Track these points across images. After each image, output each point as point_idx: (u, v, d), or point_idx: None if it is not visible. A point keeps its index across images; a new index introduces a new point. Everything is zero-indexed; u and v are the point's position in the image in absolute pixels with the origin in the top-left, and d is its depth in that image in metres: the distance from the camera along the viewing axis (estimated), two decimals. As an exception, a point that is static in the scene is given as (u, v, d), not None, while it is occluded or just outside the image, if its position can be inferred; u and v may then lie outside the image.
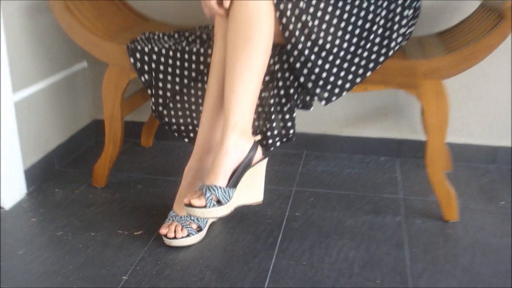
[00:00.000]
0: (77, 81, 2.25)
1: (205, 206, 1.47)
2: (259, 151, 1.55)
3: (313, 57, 1.59)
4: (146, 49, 1.74)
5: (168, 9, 2.22)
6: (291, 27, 1.55)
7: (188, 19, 2.20)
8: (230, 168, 1.50)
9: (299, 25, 1.56)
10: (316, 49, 1.59)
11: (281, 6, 1.53)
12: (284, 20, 1.54)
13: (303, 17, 1.56)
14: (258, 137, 1.58)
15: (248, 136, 1.52)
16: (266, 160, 1.58)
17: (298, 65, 1.59)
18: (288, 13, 1.54)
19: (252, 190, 1.56)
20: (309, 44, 1.58)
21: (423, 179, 2.02)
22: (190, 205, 1.48)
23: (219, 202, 1.48)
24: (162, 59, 1.74)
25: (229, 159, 1.49)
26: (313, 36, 1.58)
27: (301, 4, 1.56)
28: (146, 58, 1.75)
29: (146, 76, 1.77)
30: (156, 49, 1.74)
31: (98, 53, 1.83)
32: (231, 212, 1.50)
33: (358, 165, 2.16)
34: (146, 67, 1.76)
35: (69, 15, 1.80)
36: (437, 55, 1.68)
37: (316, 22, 1.59)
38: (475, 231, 1.72)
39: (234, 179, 1.50)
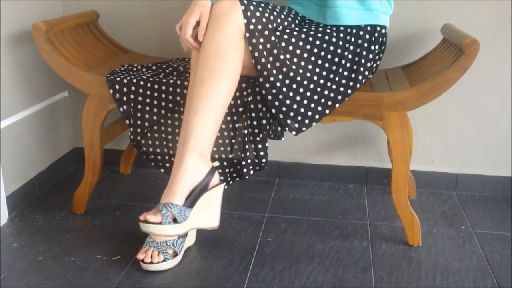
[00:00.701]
0: (58, 110, 2.24)
1: (160, 223, 1.46)
2: (216, 176, 1.56)
3: (284, 89, 1.61)
4: (125, 81, 1.75)
5: (147, 42, 2.23)
6: (263, 60, 1.56)
7: (166, 51, 2.21)
8: (187, 188, 1.51)
9: (270, 59, 1.58)
10: (287, 81, 1.61)
11: (253, 41, 1.55)
12: (256, 54, 1.56)
13: (275, 51, 1.58)
14: (216, 163, 1.59)
15: (206, 159, 1.53)
16: (223, 185, 1.59)
17: (270, 97, 1.60)
18: (260, 47, 1.56)
19: (208, 214, 1.56)
20: (280, 76, 1.60)
21: (389, 205, 2.04)
22: (145, 221, 1.47)
23: (175, 221, 1.48)
24: (140, 90, 1.74)
25: (186, 179, 1.50)
26: (284, 69, 1.60)
27: (273, 38, 1.57)
28: (124, 89, 1.75)
29: (125, 107, 1.77)
30: (134, 80, 1.74)
31: (79, 83, 1.83)
32: (186, 233, 1.50)
33: (328, 192, 2.17)
34: (124, 98, 1.76)
35: (50, 47, 1.80)
36: (401, 88, 1.71)
37: (288, 56, 1.60)
38: (436, 254, 1.73)
39: (191, 199, 1.51)
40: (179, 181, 1.49)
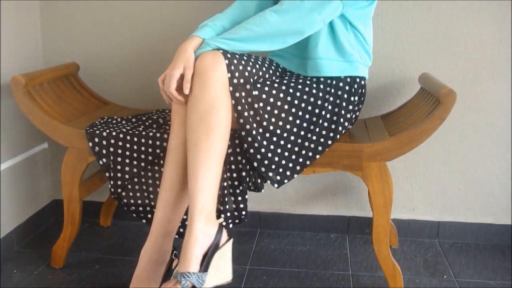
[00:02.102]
0: (37, 162, 2.20)
1: None
2: (225, 233, 1.52)
3: (265, 142, 1.59)
4: (105, 134, 1.72)
5: (127, 94, 2.21)
6: (245, 114, 1.55)
7: (146, 102, 2.19)
8: (200, 254, 1.46)
9: (251, 113, 1.56)
10: (267, 135, 1.59)
11: (237, 94, 1.53)
12: (239, 108, 1.54)
13: (255, 105, 1.56)
14: (221, 220, 1.55)
15: (213, 220, 1.49)
16: (231, 240, 1.55)
17: (251, 150, 1.58)
18: (243, 101, 1.54)
19: (221, 271, 1.52)
20: (261, 130, 1.58)
21: (371, 255, 2.01)
22: None
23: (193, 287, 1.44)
24: (120, 143, 1.71)
25: (198, 245, 1.46)
26: (265, 123, 1.58)
27: (254, 92, 1.56)
28: (104, 142, 1.72)
29: (104, 160, 1.73)
30: (114, 133, 1.72)
31: (58, 136, 1.79)
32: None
33: (310, 242, 2.13)
34: (104, 151, 1.73)
35: (29, 101, 1.77)
36: (380, 139, 1.70)
37: (268, 108, 1.59)
38: (420, 305, 1.70)
39: (205, 263, 1.46)
40: (192, 249, 1.45)
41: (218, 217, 1.62)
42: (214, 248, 1.48)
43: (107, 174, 1.74)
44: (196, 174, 1.47)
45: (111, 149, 1.72)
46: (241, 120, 1.55)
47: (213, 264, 1.48)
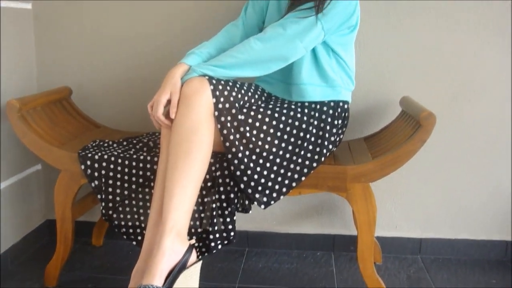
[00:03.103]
0: (31, 183, 2.20)
1: None
2: (194, 254, 1.52)
3: (251, 164, 1.60)
4: (96, 157, 1.73)
5: (119, 117, 2.22)
6: (231, 137, 1.56)
7: (137, 125, 2.20)
8: (166, 269, 1.46)
9: (238, 136, 1.57)
10: (254, 157, 1.60)
11: (222, 119, 1.54)
12: (224, 132, 1.55)
13: (241, 129, 1.57)
14: (193, 241, 1.55)
15: (183, 239, 1.49)
16: (200, 262, 1.55)
17: (238, 172, 1.59)
18: (228, 125, 1.55)
19: None
20: (247, 153, 1.59)
21: (356, 272, 2.01)
22: None
23: None
24: (111, 166, 1.72)
25: (165, 260, 1.45)
26: (251, 145, 1.59)
27: (240, 116, 1.58)
28: (96, 165, 1.73)
29: (96, 182, 1.74)
30: (105, 156, 1.72)
31: (51, 159, 1.80)
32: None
33: (296, 260, 2.13)
34: (96, 174, 1.73)
35: (23, 124, 1.78)
36: (364, 160, 1.71)
37: (254, 132, 1.60)
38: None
39: (170, 279, 1.46)
40: (158, 263, 1.45)
41: (191, 238, 1.63)
42: (181, 266, 1.48)
43: (98, 196, 1.74)
44: (171, 192, 1.48)
45: (103, 172, 1.73)
46: (227, 144, 1.56)
47: (178, 283, 1.48)
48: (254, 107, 1.64)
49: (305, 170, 1.66)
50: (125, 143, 1.88)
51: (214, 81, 1.54)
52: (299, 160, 1.65)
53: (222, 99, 1.54)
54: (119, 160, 1.72)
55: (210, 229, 1.64)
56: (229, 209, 1.65)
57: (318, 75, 1.71)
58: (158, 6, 2.13)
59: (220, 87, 1.55)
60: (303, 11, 1.60)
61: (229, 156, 1.57)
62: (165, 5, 2.12)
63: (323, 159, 1.68)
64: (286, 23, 1.60)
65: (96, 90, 2.21)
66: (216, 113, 1.54)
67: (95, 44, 2.18)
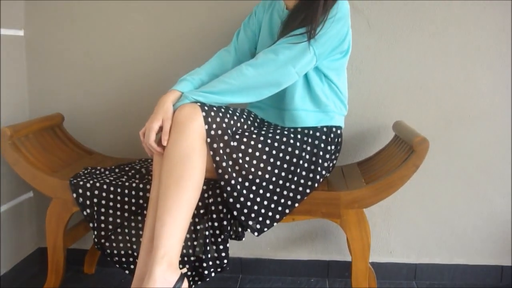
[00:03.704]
0: (23, 210, 2.17)
1: None
2: (186, 283, 1.49)
3: (244, 191, 1.58)
4: (88, 185, 1.71)
5: (111, 144, 2.20)
6: (223, 164, 1.54)
7: (129, 152, 2.18)
8: None
9: (230, 163, 1.56)
10: (247, 183, 1.59)
11: (214, 146, 1.53)
12: (217, 158, 1.54)
13: (234, 155, 1.56)
14: (185, 270, 1.52)
15: (175, 268, 1.46)
16: None
17: (231, 199, 1.57)
18: (221, 151, 1.54)
19: None
20: (240, 179, 1.58)
21: (351, 298, 1.99)
22: None
23: None
24: (104, 194, 1.70)
25: None
26: (244, 172, 1.58)
27: (232, 143, 1.56)
28: (88, 193, 1.71)
29: (88, 210, 1.71)
30: (97, 184, 1.70)
31: (43, 187, 1.78)
32: None
33: (291, 286, 2.10)
34: (88, 202, 1.71)
35: (15, 152, 1.76)
36: (357, 186, 1.70)
37: (247, 158, 1.59)
38: None
39: None
40: None
41: (183, 267, 1.60)
42: None
43: (90, 225, 1.72)
44: (163, 220, 1.46)
45: (95, 200, 1.70)
46: (220, 171, 1.55)
47: None
48: (246, 133, 1.63)
49: (299, 197, 1.65)
50: (117, 170, 1.86)
51: (206, 108, 1.53)
52: (292, 187, 1.64)
53: (214, 126, 1.53)
54: (111, 188, 1.70)
55: (203, 256, 1.61)
56: (222, 236, 1.62)
57: (310, 101, 1.71)
58: (150, 32, 2.13)
59: (212, 113, 1.54)
60: (295, 36, 1.60)
61: (222, 183, 1.56)
62: (157, 31, 2.12)
63: (316, 185, 1.67)
64: (278, 48, 1.59)
65: (88, 116, 2.20)
66: (209, 139, 1.53)
67: (87, 70, 2.18)
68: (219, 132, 1.54)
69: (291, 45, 1.59)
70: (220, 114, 1.56)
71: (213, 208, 1.62)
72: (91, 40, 2.16)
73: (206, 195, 1.62)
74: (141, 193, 1.69)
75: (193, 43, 2.10)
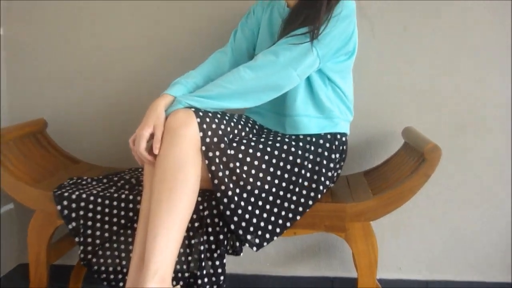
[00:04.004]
0: (3, 224, 2.18)
1: None
2: None
3: (242, 203, 1.59)
4: (74, 196, 1.72)
5: (98, 151, 2.21)
6: (220, 174, 1.55)
7: (118, 161, 2.19)
8: None
9: (227, 172, 1.57)
10: (245, 195, 1.60)
11: (210, 154, 1.54)
12: (213, 168, 1.55)
13: (231, 165, 1.57)
14: (179, 287, 1.54)
15: (168, 284, 1.47)
16: None
17: (228, 212, 1.58)
18: (217, 160, 1.55)
19: None
20: (237, 190, 1.58)
21: (357, 318, 2.00)
22: None
23: None
24: (90, 206, 1.71)
25: None
26: (242, 183, 1.59)
27: (229, 151, 1.57)
28: (73, 205, 1.72)
29: (74, 224, 1.72)
30: (84, 195, 1.71)
31: (24, 199, 1.78)
32: None
33: (292, 305, 2.12)
34: (73, 215, 1.72)
35: (-7, 160, 1.78)
36: (364, 198, 1.71)
37: (245, 168, 1.60)
38: None
39: None
40: None
41: (177, 284, 1.61)
42: None
43: (76, 239, 1.72)
44: (154, 233, 1.47)
45: (81, 213, 1.72)
46: (216, 181, 1.56)
47: None
48: (244, 141, 1.64)
49: (300, 209, 1.66)
50: (105, 180, 1.87)
51: (201, 113, 1.54)
52: (294, 198, 1.65)
53: (209, 133, 1.54)
54: (99, 200, 1.71)
55: (198, 273, 1.62)
56: (219, 251, 1.63)
57: (313, 106, 1.72)
58: (140, 32, 2.14)
59: (208, 119, 1.55)
60: (296, 36, 1.62)
61: (218, 194, 1.57)
62: (148, 31, 2.14)
63: (319, 196, 1.68)
64: (278, 50, 1.61)
65: (74, 122, 2.21)
66: (204, 147, 1.54)
67: (73, 72, 2.19)
68: (215, 139, 1.55)
69: (292, 46, 1.60)
70: (216, 120, 1.57)
71: (208, 221, 1.63)
72: (76, 40, 2.17)
73: (201, 207, 1.63)
74: (131, 205, 1.70)
75: (187, 43, 2.12)
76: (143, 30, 2.14)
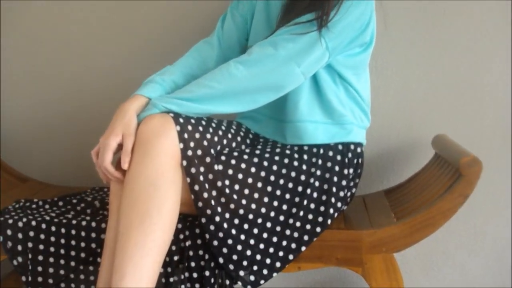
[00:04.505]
0: None
1: None
2: None
3: (233, 231, 1.59)
4: (21, 224, 1.71)
5: (53, 167, 2.21)
6: (205, 195, 1.54)
7: (77, 179, 2.19)
8: None
9: (214, 193, 1.56)
10: (236, 221, 1.59)
11: (192, 170, 1.53)
12: (196, 188, 1.53)
13: (219, 183, 1.56)
14: None
15: None
16: None
17: (215, 242, 1.57)
18: (201, 178, 1.54)
19: None
20: (227, 215, 1.58)
21: None
22: None
23: None
24: (42, 236, 1.70)
25: None
26: (232, 206, 1.58)
27: (216, 167, 1.57)
28: (20, 235, 1.71)
29: (20, 259, 1.71)
30: (34, 223, 1.71)
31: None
32: None
33: None
34: (20, 247, 1.71)
35: None
36: (385, 223, 1.71)
37: (236, 187, 1.59)
38: None
39: None
40: None
41: None
42: None
43: (23, 278, 1.71)
44: (122, 270, 1.44)
45: (30, 245, 1.71)
46: (200, 204, 1.55)
47: None
48: (235, 154, 1.63)
49: (306, 238, 1.66)
50: (61, 203, 1.87)
51: (181, 120, 1.53)
52: (297, 224, 1.65)
53: (192, 144, 1.53)
54: (53, 228, 1.70)
55: (178, 319, 1.62)
56: (204, 291, 1.63)
57: (320, 109, 1.72)
58: (104, 27, 2.15)
59: (190, 127, 1.54)
60: (301, 25, 1.61)
61: (203, 220, 1.56)
62: (113, 26, 2.16)
63: (329, 221, 1.68)
64: (278, 41, 1.60)
65: (23, 132, 2.21)
66: (185, 162, 1.53)
67: (22, 74, 2.19)
68: (199, 152, 1.55)
69: (296, 36, 1.60)
70: (200, 128, 1.57)
71: (191, 253, 1.63)
72: (26, 37, 2.17)
73: (181, 236, 1.63)
74: (93, 235, 1.69)
75: (164, 35, 2.13)
76: (109, 26, 2.16)
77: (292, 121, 1.72)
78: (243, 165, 1.62)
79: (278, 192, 1.64)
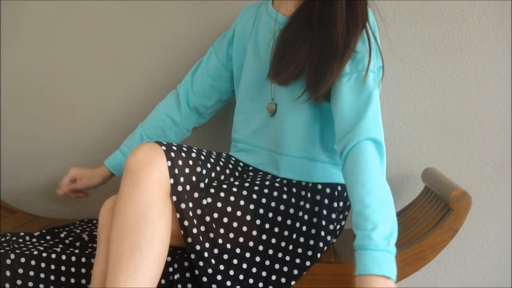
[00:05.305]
0: None
1: None
2: None
3: (222, 267, 1.58)
4: (9, 261, 1.70)
5: (40, 198, 2.21)
6: (194, 231, 1.54)
7: (65, 210, 2.19)
8: None
9: (202, 228, 1.55)
10: (225, 256, 1.59)
11: (182, 206, 1.52)
12: (186, 223, 1.52)
13: (207, 218, 1.56)
14: None
15: None
16: None
17: (205, 278, 1.56)
18: (190, 214, 1.53)
19: None
20: (216, 251, 1.57)
21: None
22: None
23: None
24: (32, 273, 1.70)
25: None
26: (220, 240, 1.58)
27: (205, 201, 1.57)
28: (8, 272, 1.70)
29: (6, 296, 1.71)
30: (23, 259, 1.70)
31: None
32: None
33: None
34: (7, 285, 1.70)
35: None
36: (375, 257, 1.72)
37: (225, 220, 1.59)
38: None
39: None
40: None
41: None
42: None
43: (11, 316, 1.71)
44: None
45: (19, 282, 1.70)
46: (190, 239, 1.53)
47: None
48: (224, 186, 1.63)
49: (295, 272, 1.66)
50: (48, 236, 1.87)
51: (172, 154, 1.53)
52: (287, 258, 1.65)
53: (182, 179, 1.53)
54: (43, 264, 1.70)
55: None
56: (192, 327, 1.62)
57: (321, 147, 1.75)
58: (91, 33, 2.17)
59: (180, 162, 1.53)
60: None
61: (192, 256, 1.54)
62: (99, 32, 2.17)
63: (319, 255, 1.68)
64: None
65: (7, 157, 2.20)
66: (175, 198, 1.51)
67: (6, 88, 2.19)
68: (188, 187, 1.54)
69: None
70: (190, 163, 1.56)
71: (180, 287, 1.63)
72: (21, 45, 2.19)
73: (170, 269, 1.62)
74: (83, 270, 1.69)
75: (164, 38, 2.16)
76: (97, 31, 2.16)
77: (288, 155, 1.74)
78: (232, 198, 1.61)
79: (267, 226, 1.64)
